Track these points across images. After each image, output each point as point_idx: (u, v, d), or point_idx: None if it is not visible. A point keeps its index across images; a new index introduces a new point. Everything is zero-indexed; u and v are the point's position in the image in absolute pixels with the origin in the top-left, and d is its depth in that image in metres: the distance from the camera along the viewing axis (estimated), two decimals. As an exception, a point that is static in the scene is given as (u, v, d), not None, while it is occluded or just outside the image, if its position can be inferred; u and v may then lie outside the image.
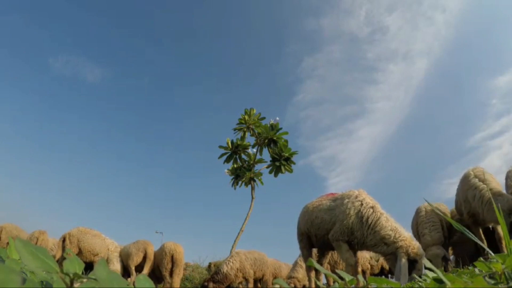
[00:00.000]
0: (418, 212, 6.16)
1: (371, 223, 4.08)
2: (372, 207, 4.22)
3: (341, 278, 0.86)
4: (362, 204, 4.26)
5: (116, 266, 7.67)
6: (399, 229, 4.02)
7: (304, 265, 6.73)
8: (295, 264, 7.22)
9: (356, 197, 4.43)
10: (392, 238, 3.96)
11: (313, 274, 5.19)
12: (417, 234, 5.89)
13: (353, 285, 0.84)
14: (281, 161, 13.83)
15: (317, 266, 0.85)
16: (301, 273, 6.94)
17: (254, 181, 13.82)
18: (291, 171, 13.97)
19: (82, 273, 0.61)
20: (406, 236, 3.97)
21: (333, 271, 6.92)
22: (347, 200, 4.43)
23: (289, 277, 6.95)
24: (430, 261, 4.25)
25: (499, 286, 0.77)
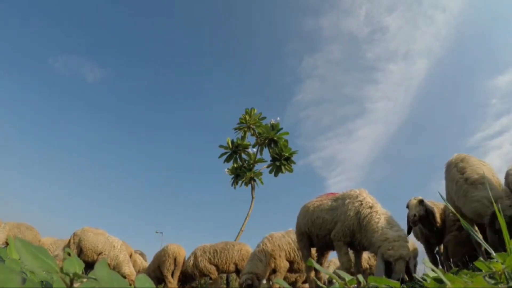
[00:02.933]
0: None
1: (366, 224, 3.98)
2: (370, 207, 4.10)
3: (341, 278, 0.86)
4: (361, 204, 4.17)
5: (131, 269, 7.35)
6: (385, 229, 3.75)
7: (263, 258, 5.79)
8: (253, 256, 5.93)
9: (357, 197, 4.34)
10: (374, 239, 3.78)
11: (312, 274, 5.18)
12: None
13: (353, 285, 0.84)
14: (282, 161, 13.83)
15: (317, 266, 0.85)
16: (260, 267, 5.73)
17: (254, 180, 13.81)
18: (291, 170, 13.97)
19: (82, 273, 0.61)
20: (387, 237, 3.67)
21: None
22: (348, 200, 4.36)
23: (247, 272, 5.65)
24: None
25: (499, 286, 0.77)
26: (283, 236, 6.16)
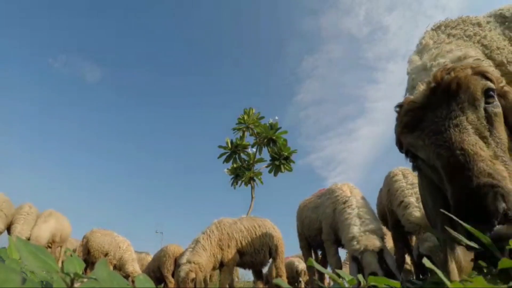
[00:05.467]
0: (390, 177, 3.76)
1: (338, 221, 3.69)
2: (344, 202, 3.74)
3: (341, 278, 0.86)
4: (337, 200, 3.85)
5: (136, 268, 7.35)
6: (353, 227, 3.40)
7: (207, 247, 4.91)
8: (196, 243, 4.97)
9: (334, 192, 4.01)
10: (343, 239, 3.47)
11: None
12: (390, 211, 3.69)
13: (353, 285, 0.84)
14: (281, 160, 13.83)
15: (317, 266, 0.85)
16: (204, 257, 4.80)
17: (254, 180, 13.80)
18: (290, 170, 13.96)
19: (83, 273, 0.61)
20: (353, 235, 3.33)
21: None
22: (328, 196, 4.10)
23: (188, 261, 4.71)
24: (429, 257, 2.79)
25: (499, 286, 0.77)
26: (234, 222, 5.34)
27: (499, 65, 1.70)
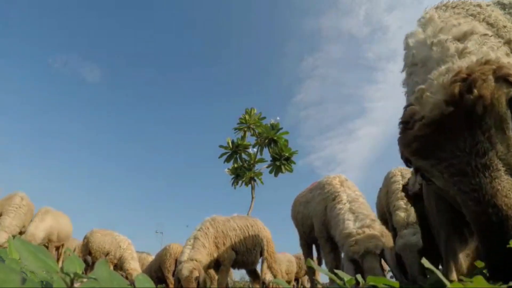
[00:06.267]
0: (389, 178, 3.75)
1: (330, 218, 3.48)
2: (333, 199, 3.54)
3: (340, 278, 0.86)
4: (328, 196, 3.66)
5: (134, 265, 7.38)
6: (347, 222, 3.17)
7: (207, 244, 4.75)
8: (195, 240, 4.78)
9: (324, 187, 3.80)
10: (337, 237, 3.23)
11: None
12: (389, 211, 3.66)
13: (352, 285, 0.84)
14: (282, 161, 13.81)
15: (315, 266, 0.85)
16: (204, 254, 4.69)
17: (254, 180, 13.79)
18: (291, 170, 13.94)
19: (83, 273, 0.61)
20: (349, 231, 3.07)
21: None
22: (319, 192, 3.90)
23: (190, 258, 4.54)
24: (399, 256, 2.94)
25: (499, 286, 0.77)
26: (227, 220, 5.24)
27: (507, 42, 1.55)
